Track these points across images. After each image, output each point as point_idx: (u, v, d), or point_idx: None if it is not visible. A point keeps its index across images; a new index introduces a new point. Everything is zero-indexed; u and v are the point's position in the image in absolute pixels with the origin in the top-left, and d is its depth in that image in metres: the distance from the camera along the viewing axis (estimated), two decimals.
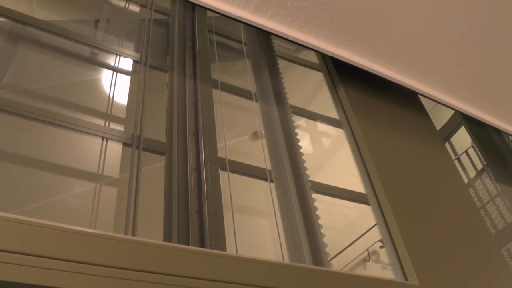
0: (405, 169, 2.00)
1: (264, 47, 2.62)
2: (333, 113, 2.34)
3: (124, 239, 1.11)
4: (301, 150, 2.06)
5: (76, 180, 2.06)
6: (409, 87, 2.26)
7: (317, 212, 1.82)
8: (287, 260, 1.69)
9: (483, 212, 3.60)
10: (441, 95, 2.34)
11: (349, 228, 4.14)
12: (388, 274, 1.71)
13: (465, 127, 3.42)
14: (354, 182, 2.05)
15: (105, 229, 1.85)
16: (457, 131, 3.79)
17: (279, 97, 2.29)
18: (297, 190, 1.88)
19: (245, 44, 2.76)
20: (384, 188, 1.82)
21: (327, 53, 2.04)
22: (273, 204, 1.91)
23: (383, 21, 1.99)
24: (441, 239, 1.78)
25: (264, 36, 2.66)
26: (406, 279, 1.59)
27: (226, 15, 1.78)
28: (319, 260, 1.65)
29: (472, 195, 3.76)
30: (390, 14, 1.98)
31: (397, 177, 1.93)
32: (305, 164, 1.98)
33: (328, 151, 4.27)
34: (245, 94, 2.52)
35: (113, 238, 1.10)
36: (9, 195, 1.86)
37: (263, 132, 2.24)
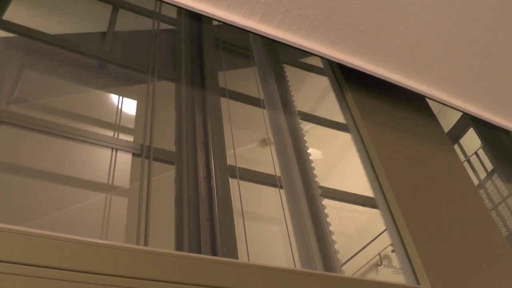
0: (414, 173, 2.00)
1: (270, 53, 2.63)
2: (341, 118, 2.34)
3: (136, 249, 1.12)
4: (310, 157, 2.06)
5: (87, 191, 2.07)
6: (415, 91, 2.26)
7: (328, 218, 1.82)
8: (298, 266, 1.69)
9: (495, 213, 3.57)
10: (448, 98, 2.34)
11: (360, 232, 4.12)
12: (400, 279, 1.70)
13: (473, 128, 3.40)
14: (364, 185, 2.04)
15: (117, 238, 1.87)
16: (465, 133, 3.77)
17: (287, 103, 2.29)
18: (307, 198, 1.88)
19: (251, 51, 2.77)
20: (394, 192, 1.81)
21: (333, 60, 2.05)
22: (283, 210, 1.91)
23: (387, 27, 2.00)
24: (453, 242, 1.78)
25: (269, 43, 2.66)
26: (418, 283, 1.58)
27: (233, 25, 1.79)
28: (331, 268, 1.64)
29: (484, 197, 3.73)
30: (394, 20, 1.98)
31: (407, 181, 1.93)
32: (314, 171, 1.98)
33: (336, 156, 4.25)
34: (253, 101, 2.53)
35: (125, 248, 1.11)
36: (21, 208, 1.87)
37: (272, 139, 2.24)
